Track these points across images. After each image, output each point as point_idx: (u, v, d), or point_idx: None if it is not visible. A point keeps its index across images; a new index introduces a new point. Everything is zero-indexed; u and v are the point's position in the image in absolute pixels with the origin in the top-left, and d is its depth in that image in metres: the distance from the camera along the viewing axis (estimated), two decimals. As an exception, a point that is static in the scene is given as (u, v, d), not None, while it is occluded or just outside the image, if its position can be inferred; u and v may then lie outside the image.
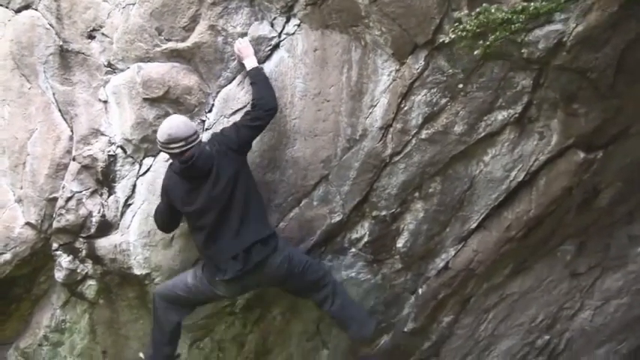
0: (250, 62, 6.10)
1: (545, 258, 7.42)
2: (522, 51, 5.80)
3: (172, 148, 5.90)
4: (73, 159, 6.68)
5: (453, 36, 5.33)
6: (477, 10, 5.32)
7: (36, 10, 6.69)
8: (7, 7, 6.85)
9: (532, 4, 5.12)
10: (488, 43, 5.22)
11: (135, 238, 6.75)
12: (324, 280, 6.53)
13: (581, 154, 6.43)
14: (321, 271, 6.56)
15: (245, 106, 6.27)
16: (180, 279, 6.53)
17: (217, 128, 6.31)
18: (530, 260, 7.37)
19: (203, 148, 5.94)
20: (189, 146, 5.88)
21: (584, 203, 6.90)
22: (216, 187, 5.97)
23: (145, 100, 6.36)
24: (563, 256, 7.42)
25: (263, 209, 6.28)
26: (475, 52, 5.37)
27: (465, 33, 5.26)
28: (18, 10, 6.80)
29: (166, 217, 6.31)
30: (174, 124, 5.91)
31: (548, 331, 8.00)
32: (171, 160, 6.19)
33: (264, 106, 6.00)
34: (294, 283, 6.47)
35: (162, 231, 6.45)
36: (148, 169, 6.60)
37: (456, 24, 5.40)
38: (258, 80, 6.07)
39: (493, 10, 5.21)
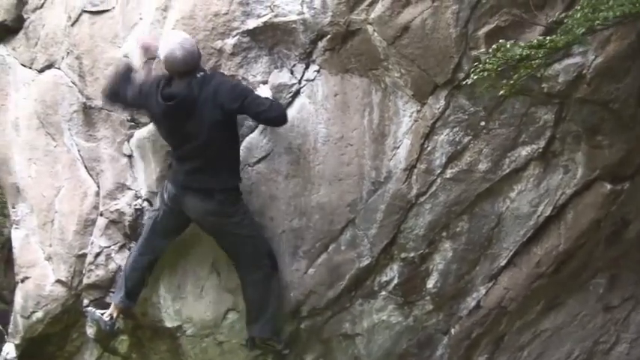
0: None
1: (577, 292, 7.33)
2: (543, 85, 5.81)
3: (169, 67, 5.98)
4: (101, 214, 6.72)
5: (474, 77, 5.29)
6: (494, 46, 5.30)
7: (59, 69, 6.80)
8: (30, 68, 6.97)
9: (548, 38, 5.10)
10: (512, 82, 5.18)
11: (165, 290, 6.76)
12: (260, 261, 6.43)
13: (608, 186, 6.39)
14: (262, 254, 6.45)
15: (269, 154, 6.31)
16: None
17: (242, 177, 6.32)
18: (562, 295, 7.28)
19: (190, 90, 5.89)
20: (186, 76, 5.93)
21: (613, 235, 6.83)
22: (193, 129, 5.98)
23: (168, 152, 6.40)
24: (596, 290, 7.33)
25: (234, 163, 6.24)
26: (500, 93, 5.34)
27: (486, 73, 5.22)
28: (41, 70, 6.92)
29: (123, 97, 6.27)
30: (188, 49, 5.91)
31: (584, 367, 7.91)
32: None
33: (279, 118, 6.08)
34: (226, 240, 6.43)
35: (105, 96, 6.39)
36: (175, 221, 6.60)
37: (476, 63, 5.38)
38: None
39: (509, 46, 5.19)
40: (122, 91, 6.23)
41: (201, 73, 5.98)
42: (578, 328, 7.50)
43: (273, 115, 6.00)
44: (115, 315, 6.57)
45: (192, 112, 5.91)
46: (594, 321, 7.51)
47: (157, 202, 6.51)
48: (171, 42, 5.93)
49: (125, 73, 6.29)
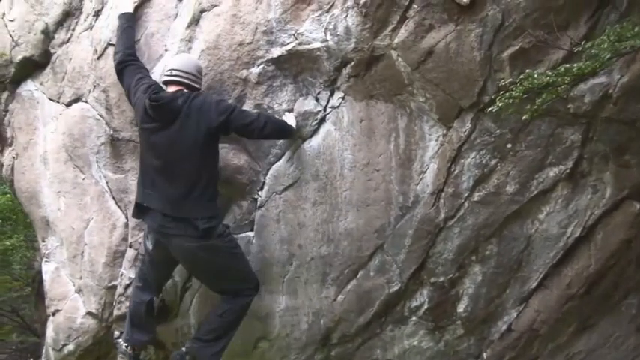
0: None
1: (609, 313, 7.27)
2: (568, 106, 5.80)
3: (166, 77, 6.10)
4: (130, 246, 6.75)
5: (500, 104, 5.28)
6: (521, 76, 5.30)
7: (86, 102, 6.86)
8: (58, 102, 7.04)
9: (575, 65, 5.09)
10: (535, 107, 5.17)
11: (195, 320, 6.76)
12: (247, 293, 6.33)
13: (637, 205, 6.35)
14: (248, 286, 6.34)
15: (296, 182, 6.32)
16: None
17: (270, 205, 6.35)
18: (594, 317, 7.23)
19: (176, 97, 5.93)
20: (176, 88, 6.02)
21: (644, 255, 6.80)
22: (173, 141, 5.95)
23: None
24: (628, 310, 7.26)
25: (213, 192, 6.12)
26: (523, 117, 5.33)
27: (511, 100, 5.22)
28: (69, 104, 6.98)
29: (126, 83, 6.34)
30: (186, 60, 6.15)
31: (619, 389, 7.83)
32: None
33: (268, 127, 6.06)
34: (205, 272, 6.33)
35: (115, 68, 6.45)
36: (204, 251, 6.61)
37: (502, 92, 5.38)
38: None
39: (536, 75, 5.18)
40: (125, 78, 6.34)
41: (190, 92, 6.03)
42: (612, 350, 7.43)
43: (261, 124, 5.98)
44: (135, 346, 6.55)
45: (174, 121, 5.92)
46: (627, 342, 7.44)
47: (142, 248, 6.48)
48: (177, 57, 6.18)
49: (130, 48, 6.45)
